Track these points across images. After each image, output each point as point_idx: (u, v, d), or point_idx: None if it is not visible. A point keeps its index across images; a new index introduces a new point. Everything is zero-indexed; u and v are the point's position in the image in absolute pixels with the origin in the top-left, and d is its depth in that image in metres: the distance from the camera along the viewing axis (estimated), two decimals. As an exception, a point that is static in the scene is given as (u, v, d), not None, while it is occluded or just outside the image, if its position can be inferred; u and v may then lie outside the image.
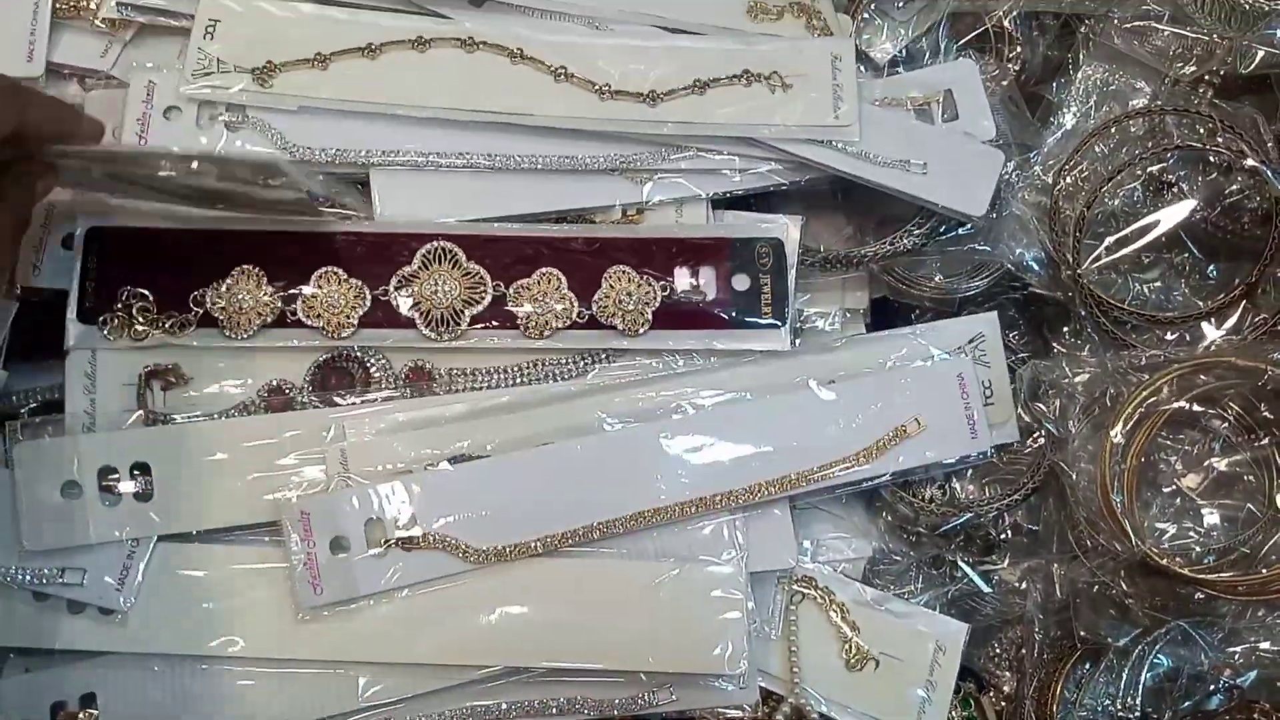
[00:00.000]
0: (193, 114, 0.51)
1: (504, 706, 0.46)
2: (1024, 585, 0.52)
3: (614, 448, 0.49)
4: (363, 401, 0.49)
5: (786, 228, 0.53)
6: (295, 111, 0.51)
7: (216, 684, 0.45)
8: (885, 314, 0.56)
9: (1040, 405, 0.51)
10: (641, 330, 0.50)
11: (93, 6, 0.53)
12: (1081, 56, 0.57)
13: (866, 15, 0.58)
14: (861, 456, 0.50)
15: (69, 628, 0.45)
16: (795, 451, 0.49)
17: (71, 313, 0.48)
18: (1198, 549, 0.48)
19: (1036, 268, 0.53)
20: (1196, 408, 0.49)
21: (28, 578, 0.45)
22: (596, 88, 0.52)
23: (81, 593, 0.45)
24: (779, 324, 0.51)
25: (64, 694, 0.45)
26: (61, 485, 0.46)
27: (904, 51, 0.58)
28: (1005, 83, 0.57)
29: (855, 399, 0.50)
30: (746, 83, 0.53)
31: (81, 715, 0.44)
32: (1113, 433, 0.48)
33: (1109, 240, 0.52)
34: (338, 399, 0.49)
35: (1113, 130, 0.54)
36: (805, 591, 0.50)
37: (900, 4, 0.58)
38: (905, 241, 0.53)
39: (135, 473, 0.46)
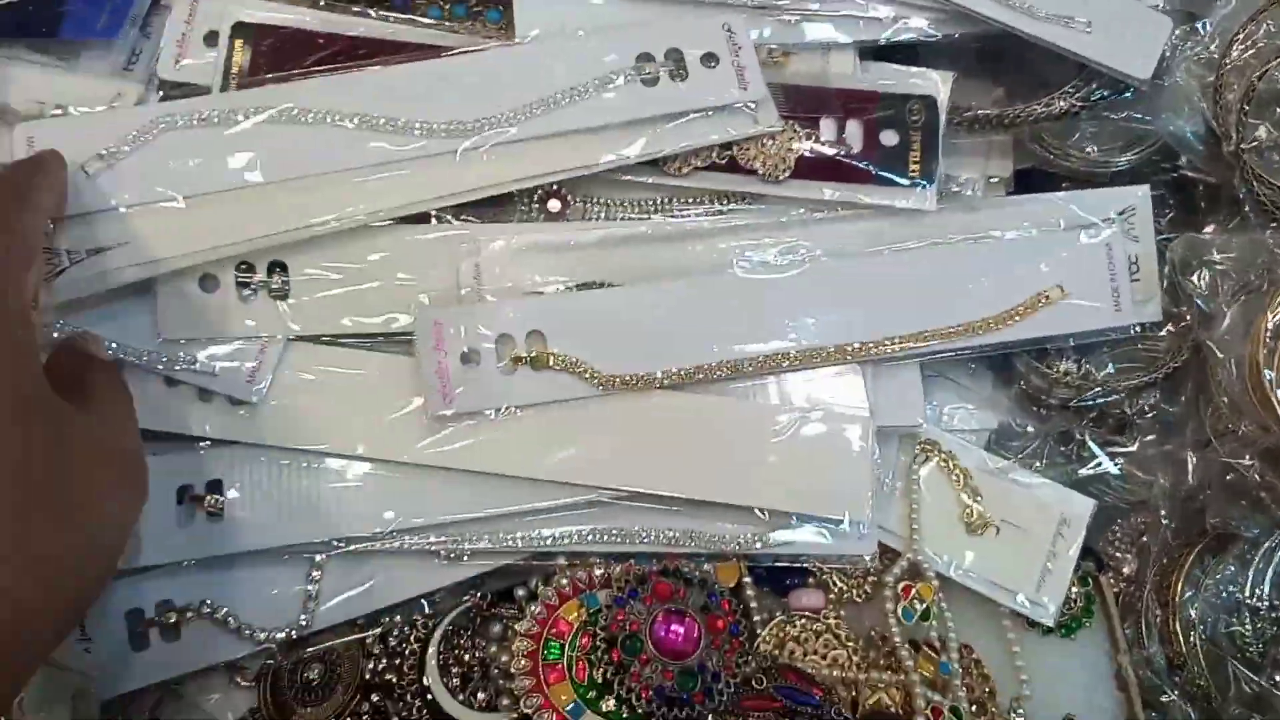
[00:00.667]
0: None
1: (635, 529, 0.46)
2: (1153, 470, 0.51)
3: (745, 289, 0.48)
4: (500, 223, 0.48)
5: (937, 84, 0.51)
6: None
7: (338, 482, 0.45)
8: (1028, 185, 0.54)
9: (1191, 280, 0.49)
10: (782, 177, 0.49)
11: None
12: (1257, -73, 0.54)
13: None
14: (1001, 320, 0.48)
15: (199, 415, 0.45)
16: (931, 309, 0.48)
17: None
18: (1348, 436, 0.46)
19: (1195, 143, 0.51)
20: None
21: (161, 362, 0.45)
22: (752, -79, 0.51)
23: (213, 381, 0.45)
24: (926, 184, 0.49)
25: (190, 478, 0.45)
26: (200, 277, 0.46)
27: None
28: (1176, -52, 0.54)
29: (997, 261, 0.49)
30: (906, -74, 0.51)
31: (208, 499, 0.44)
32: (1271, 312, 0.46)
33: (1275, 117, 0.50)
34: (473, 219, 0.48)
35: (1289, 5, 0.51)
36: (929, 453, 0.49)
37: None
38: (1061, 104, 0.50)
39: (274, 271, 0.46)
